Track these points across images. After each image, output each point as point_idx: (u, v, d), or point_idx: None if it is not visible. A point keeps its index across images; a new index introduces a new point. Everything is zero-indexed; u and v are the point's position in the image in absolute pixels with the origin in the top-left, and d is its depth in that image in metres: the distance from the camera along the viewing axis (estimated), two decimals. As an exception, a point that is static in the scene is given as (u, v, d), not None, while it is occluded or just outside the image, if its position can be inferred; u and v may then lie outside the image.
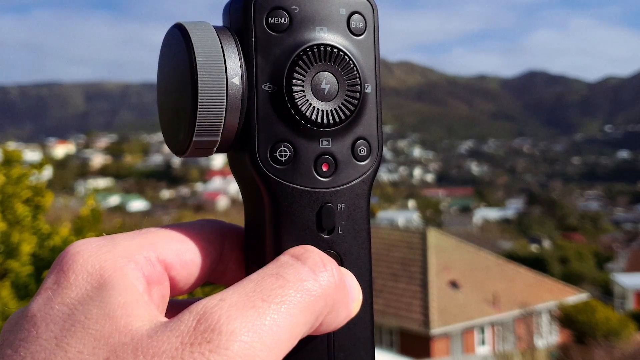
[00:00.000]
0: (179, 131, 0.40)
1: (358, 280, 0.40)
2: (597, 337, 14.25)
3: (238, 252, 0.42)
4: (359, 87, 0.41)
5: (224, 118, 0.38)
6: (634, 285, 24.67)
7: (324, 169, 0.40)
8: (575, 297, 19.45)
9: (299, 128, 0.39)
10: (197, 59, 0.38)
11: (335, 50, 0.40)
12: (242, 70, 0.39)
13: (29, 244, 2.37)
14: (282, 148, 0.39)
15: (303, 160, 0.40)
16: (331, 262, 0.38)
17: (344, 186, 0.41)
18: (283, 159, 0.39)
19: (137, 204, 55.65)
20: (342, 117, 0.40)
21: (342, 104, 0.40)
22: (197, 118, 0.38)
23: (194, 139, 0.38)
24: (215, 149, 0.40)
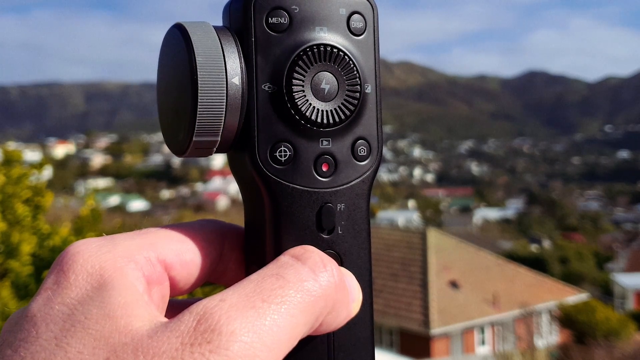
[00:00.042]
0: (179, 131, 0.40)
1: (358, 280, 0.40)
2: (597, 337, 14.24)
3: (238, 252, 0.42)
4: (358, 87, 0.41)
5: (224, 118, 0.38)
6: (634, 285, 24.66)
7: (324, 169, 0.40)
8: (575, 297, 19.44)
9: (298, 128, 0.39)
10: (197, 59, 0.38)
11: (335, 50, 0.40)
12: (242, 70, 0.39)
13: (29, 244, 2.37)
14: (282, 148, 0.39)
15: (303, 160, 0.40)
16: (331, 262, 0.38)
17: (344, 186, 0.41)
18: (283, 159, 0.39)
19: (137, 204, 55.66)
20: (342, 117, 0.40)
21: (342, 104, 0.40)
22: (197, 118, 0.38)
23: (194, 139, 0.38)
24: (215, 149, 0.40)
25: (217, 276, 0.42)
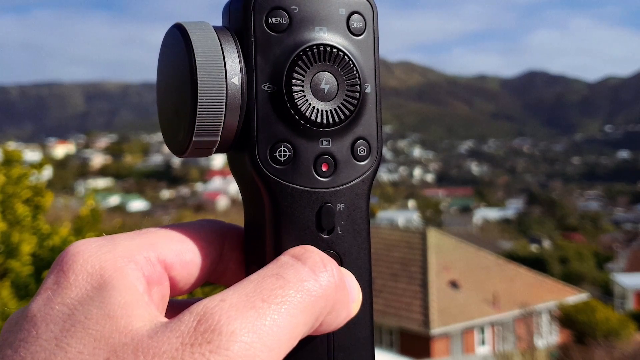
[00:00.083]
0: (179, 131, 0.40)
1: (358, 280, 0.40)
2: (597, 337, 14.24)
3: (238, 252, 0.42)
4: (358, 87, 0.41)
5: (223, 118, 0.38)
6: (634, 285, 24.66)
7: (324, 169, 0.40)
8: (575, 297, 19.44)
9: (298, 128, 0.39)
10: (196, 59, 0.38)
11: (334, 50, 0.40)
12: (241, 70, 0.39)
13: (29, 244, 2.37)
14: (282, 148, 0.39)
15: (303, 160, 0.40)
16: (331, 263, 0.38)
17: (344, 186, 0.41)
18: (283, 159, 0.39)
19: (137, 204, 55.67)
20: (342, 117, 0.40)
21: (342, 104, 0.40)
22: (197, 118, 0.38)
23: (194, 139, 0.38)
24: (214, 149, 0.40)
25: (217, 276, 0.42)
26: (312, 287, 0.35)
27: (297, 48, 0.39)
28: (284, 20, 0.39)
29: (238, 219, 0.46)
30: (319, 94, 0.40)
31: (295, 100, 0.39)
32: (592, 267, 30.94)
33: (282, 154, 0.39)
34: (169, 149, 0.41)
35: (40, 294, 0.34)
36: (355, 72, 0.41)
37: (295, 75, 0.39)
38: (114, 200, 57.27)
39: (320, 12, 0.40)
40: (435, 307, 16.89)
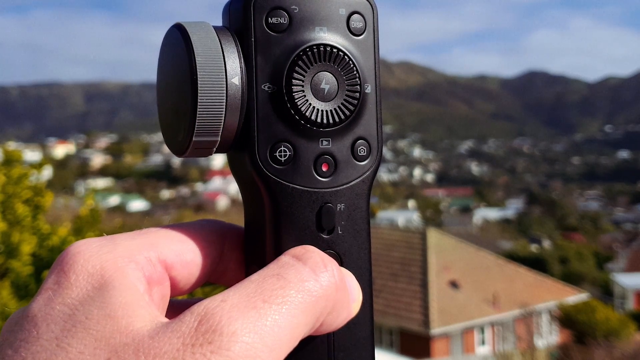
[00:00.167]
0: (179, 131, 0.40)
1: (358, 280, 0.40)
2: (597, 337, 14.24)
3: (238, 252, 0.42)
4: (358, 87, 0.41)
5: (223, 118, 0.38)
6: (634, 285, 24.66)
7: (324, 169, 0.40)
8: (575, 297, 19.45)
9: (298, 128, 0.39)
10: (196, 59, 0.38)
11: (335, 50, 0.40)
12: (241, 70, 0.39)
13: (29, 244, 2.37)
14: (282, 148, 0.39)
15: (303, 160, 0.40)
16: (332, 263, 0.38)
17: (344, 186, 0.41)
18: (283, 159, 0.39)
19: (137, 204, 55.65)
20: (342, 117, 0.40)
21: (342, 104, 0.40)
22: (197, 118, 0.38)
23: (194, 139, 0.38)
24: (215, 149, 0.40)
25: (217, 276, 0.42)
26: (312, 287, 0.35)
27: (297, 48, 0.39)
28: (284, 20, 0.39)
29: (238, 219, 0.46)
30: (319, 94, 0.40)
31: (296, 100, 0.39)
32: (592, 267, 30.93)
33: (282, 154, 0.39)
34: (169, 149, 0.41)
35: (40, 294, 0.34)
36: (355, 72, 0.41)
37: (295, 75, 0.39)
38: (114, 200, 57.26)
39: (321, 12, 0.40)
40: (435, 307, 16.89)
